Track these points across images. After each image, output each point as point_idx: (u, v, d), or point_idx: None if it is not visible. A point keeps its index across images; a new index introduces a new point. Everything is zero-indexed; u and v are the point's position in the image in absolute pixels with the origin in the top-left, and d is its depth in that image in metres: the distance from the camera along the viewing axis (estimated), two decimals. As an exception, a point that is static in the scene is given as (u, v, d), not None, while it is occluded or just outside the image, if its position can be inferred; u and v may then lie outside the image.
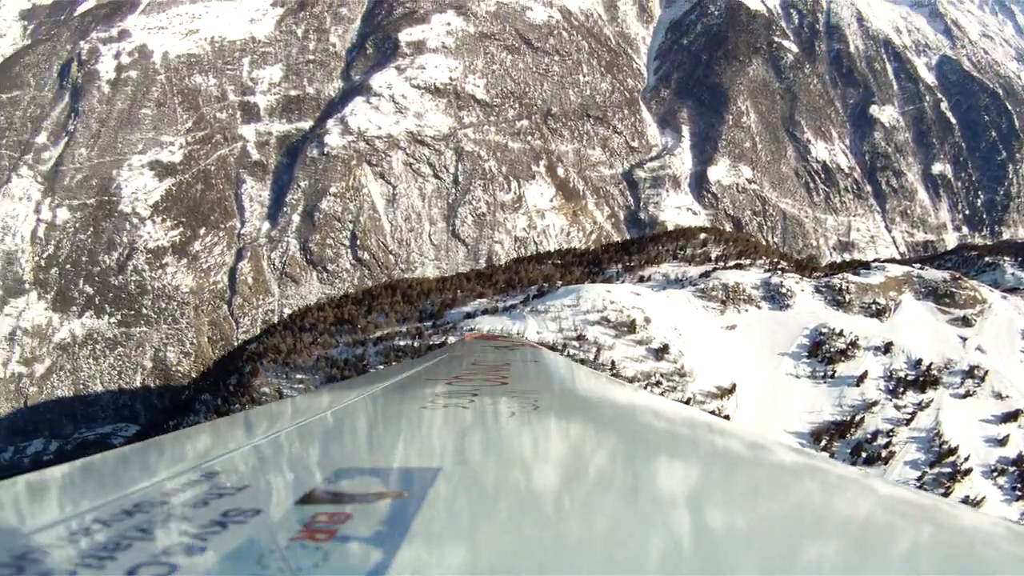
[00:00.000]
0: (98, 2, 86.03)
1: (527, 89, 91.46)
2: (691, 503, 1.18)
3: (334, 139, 77.42)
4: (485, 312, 32.47)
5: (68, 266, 76.26)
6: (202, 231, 75.41)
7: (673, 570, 0.83)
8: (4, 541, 0.84)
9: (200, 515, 0.94)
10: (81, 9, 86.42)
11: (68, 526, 0.89)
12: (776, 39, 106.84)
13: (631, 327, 29.26)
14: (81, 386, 65.03)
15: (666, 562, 0.86)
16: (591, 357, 27.38)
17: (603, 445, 1.75)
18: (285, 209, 75.83)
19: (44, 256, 76.46)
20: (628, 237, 72.95)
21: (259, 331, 54.53)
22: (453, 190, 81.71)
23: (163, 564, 0.76)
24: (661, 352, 28.43)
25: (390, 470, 1.29)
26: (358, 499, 1.02)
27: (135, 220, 75.59)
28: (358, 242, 75.81)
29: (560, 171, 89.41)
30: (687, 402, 25.03)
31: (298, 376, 29.30)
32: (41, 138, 79.85)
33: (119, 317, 71.28)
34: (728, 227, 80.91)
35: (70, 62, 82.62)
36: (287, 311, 63.01)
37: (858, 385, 28.22)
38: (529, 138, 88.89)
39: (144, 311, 73.35)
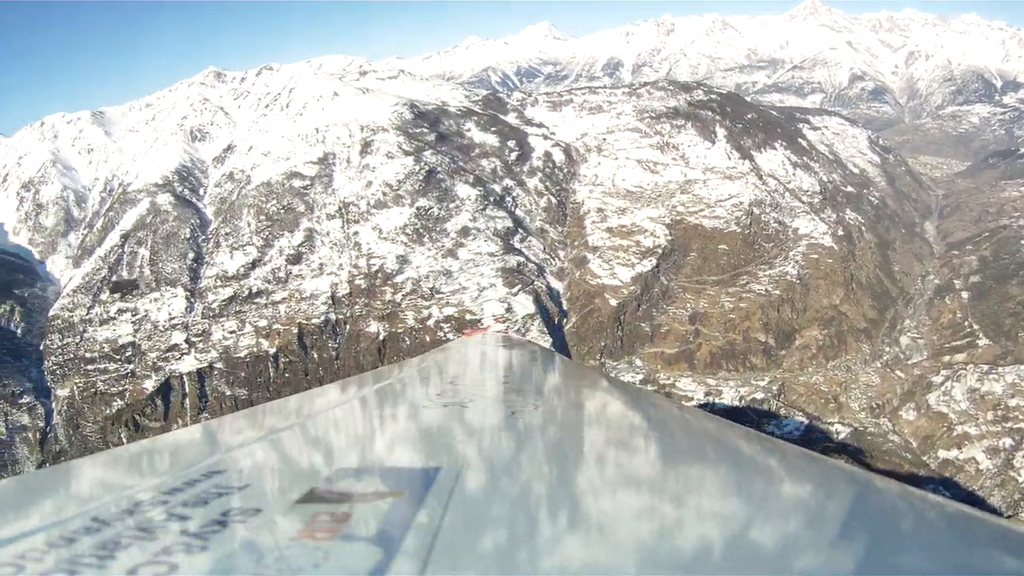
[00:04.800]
0: None
1: None
2: (690, 496, 1.16)
3: None
4: None
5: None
6: None
7: (675, 566, 0.80)
8: (5, 539, 0.82)
9: (200, 515, 0.91)
10: None
11: (69, 525, 0.87)
12: None
13: None
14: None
15: (667, 557, 0.84)
16: None
17: (602, 443, 1.71)
18: None
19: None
20: None
21: None
22: None
23: (163, 564, 0.74)
24: None
25: (390, 470, 1.26)
26: (358, 498, 0.99)
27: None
28: None
29: None
30: None
31: None
32: None
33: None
34: None
35: None
36: None
37: None
38: None
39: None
